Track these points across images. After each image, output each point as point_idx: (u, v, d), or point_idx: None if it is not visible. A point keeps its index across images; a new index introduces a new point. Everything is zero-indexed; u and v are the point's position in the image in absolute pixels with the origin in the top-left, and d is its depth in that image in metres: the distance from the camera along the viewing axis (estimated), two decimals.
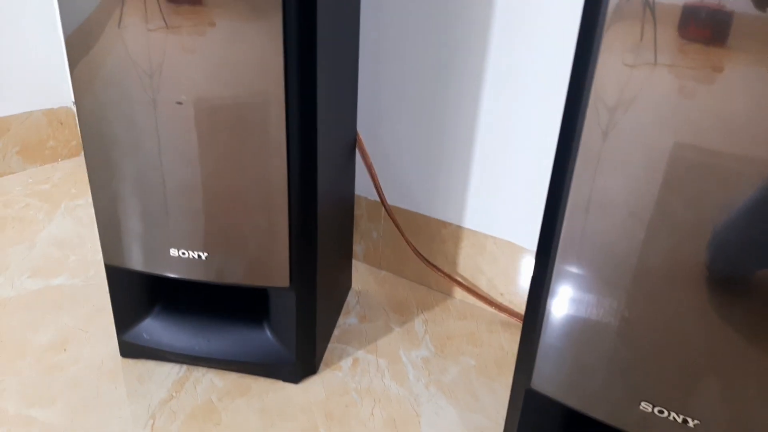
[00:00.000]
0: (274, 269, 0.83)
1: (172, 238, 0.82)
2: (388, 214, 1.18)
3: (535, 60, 0.94)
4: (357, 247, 1.27)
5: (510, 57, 0.96)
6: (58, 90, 1.70)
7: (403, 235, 1.18)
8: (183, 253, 0.83)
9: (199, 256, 0.83)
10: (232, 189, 0.78)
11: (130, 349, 0.95)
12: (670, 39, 0.51)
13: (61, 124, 1.72)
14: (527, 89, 0.96)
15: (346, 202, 1.06)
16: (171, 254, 0.83)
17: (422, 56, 1.05)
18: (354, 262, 1.27)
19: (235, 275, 0.84)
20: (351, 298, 1.15)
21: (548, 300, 0.66)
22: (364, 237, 1.25)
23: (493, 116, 1.02)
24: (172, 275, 0.86)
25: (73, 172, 1.67)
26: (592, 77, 0.55)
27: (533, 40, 0.93)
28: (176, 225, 0.81)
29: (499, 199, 1.07)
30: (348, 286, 1.17)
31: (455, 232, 1.13)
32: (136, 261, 0.86)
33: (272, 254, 0.82)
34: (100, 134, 0.78)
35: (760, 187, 0.51)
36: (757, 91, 0.49)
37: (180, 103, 0.74)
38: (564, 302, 0.65)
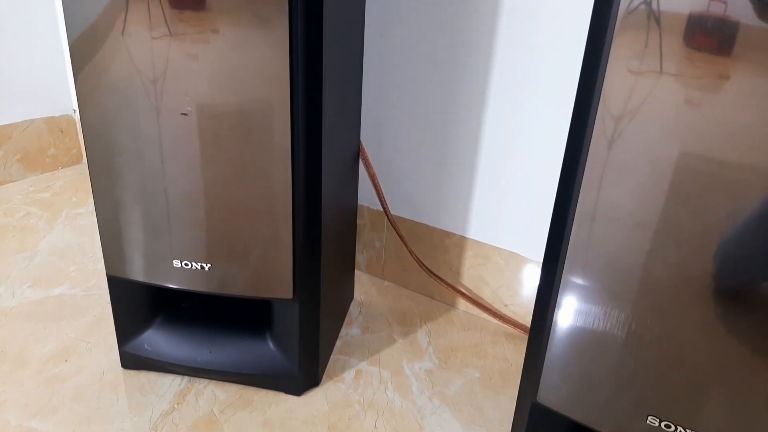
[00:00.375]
0: (277, 280, 0.83)
1: (175, 249, 0.82)
2: (391, 224, 1.17)
3: (540, 70, 0.94)
4: (360, 257, 1.27)
5: (515, 67, 0.96)
6: (59, 98, 1.70)
7: (406, 245, 1.18)
8: (186, 264, 0.82)
9: (202, 267, 0.82)
10: (236, 199, 0.78)
11: (131, 360, 0.94)
12: (676, 48, 0.51)
13: (62, 132, 1.72)
14: (532, 99, 0.96)
15: (349, 211, 1.05)
16: (174, 265, 0.83)
17: (426, 65, 1.05)
18: (356, 272, 1.26)
19: (238, 287, 0.84)
20: (353, 309, 1.15)
21: (555, 311, 0.66)
22: (367, 247, 1.25)
23: (497, 126, 1.01)
24: (174, 286, 0.85)
25: (74, 180, 1.67)
26: (600, 87, 0.55)
27: (538, 51, 0.93)
28: (179, 235, 0.81)
29: (503, 209, 1.06)
30: (350, 296, 1.17)
31: (459, 242, 1.13)
32: (138, 271, 0.85)
33: (275, 265, 0.82)
34: (103, 142, 0.77)
35: (766, 197, 0.51)
36: (762, 100, 0.49)
37: (185, 114, 0.73)
38: (570, 314, 0.65)
